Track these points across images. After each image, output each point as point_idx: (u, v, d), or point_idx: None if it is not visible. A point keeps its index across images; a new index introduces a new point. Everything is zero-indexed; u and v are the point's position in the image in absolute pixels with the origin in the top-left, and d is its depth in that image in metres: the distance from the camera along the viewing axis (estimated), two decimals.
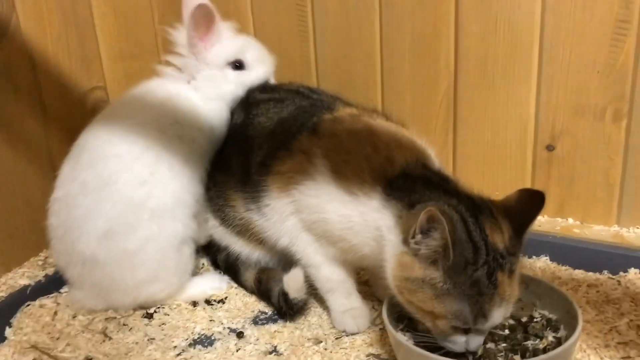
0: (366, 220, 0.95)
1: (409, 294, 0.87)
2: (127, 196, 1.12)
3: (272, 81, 1.31)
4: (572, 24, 1.23)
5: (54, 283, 1.27)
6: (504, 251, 0.85)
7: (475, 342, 0.86)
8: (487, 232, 0.85)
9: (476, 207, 0.88)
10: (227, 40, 1.26)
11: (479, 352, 0.89)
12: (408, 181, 0.93)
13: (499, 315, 0.85)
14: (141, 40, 1.52)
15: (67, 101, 1.36)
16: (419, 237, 0.84)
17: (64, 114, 1.36)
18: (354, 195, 0.96)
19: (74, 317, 1.18)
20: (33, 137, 1.31)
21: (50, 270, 1.30)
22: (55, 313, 1.19)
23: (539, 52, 1.27)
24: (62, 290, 1.27)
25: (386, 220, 0.92)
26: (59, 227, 1.16)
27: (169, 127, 1.19)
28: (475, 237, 0.84)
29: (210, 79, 1.25)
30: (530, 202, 0.90)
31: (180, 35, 1.25)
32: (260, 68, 1.29)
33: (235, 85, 1.26)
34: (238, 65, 1.26)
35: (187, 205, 1.19)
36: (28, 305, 1.22)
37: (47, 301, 1.23)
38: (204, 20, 1.20)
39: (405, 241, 0.87)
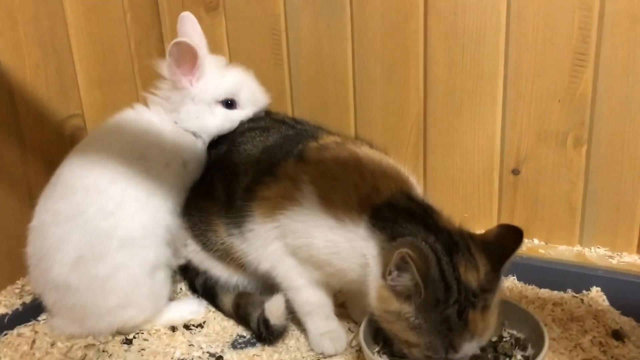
0: (354, 247, 0.98)
1: (388, 324, 0.92)
2: (95, 226, 1.14)
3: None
4: (534, 55, 1.29)
5: (31, 311, 1.26)
6: (477, 289, 0.88)
7: None
8: (461, 270, 0.88)
9: (453, 244, 0.91)
10: (217, 77, 1.25)
11: None
12: (392, 212, 0.96)
13: (470, 348, 0.88)
14: (118, 68, 1.53)
15: (45, 129, 1.37)
16: (394, 274, 0.88)
17: (42, 142, 1.36)
18: (342, 221, 0.99)
19: (53, 345, 1.18)
20: (10, 165, 1.31)
21: (27, 299, 1.29)
22: (34, 342, 1.19)
23: (503, 82, 1.34)
24: (39, 319, 1.27)
25: (371, 249, 0.95)
26: (35, 255, 1.18)
27: (137, 160, 1.19)
28: (447, 276, 0.87)
29: (194, 114, 1.24)
30: (509, 237, 0.93)
31: (165, 67, 1.23)
32: (252, 107, 1.28)
33: (223, 122, 1.26)
34: (230, 103, 1.26)
35: (157, 234, 1.20)
36: (5, 334, 1.22)
37: (25, 329, 1.23)
38: (185, 57, 1.19)
39: (384, 275, 0.90)
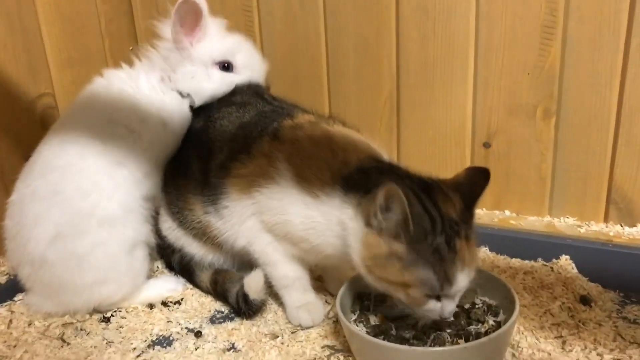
0: (329, 219, 1.00)
1: (379, 270, 0.92)
2: (75, 207, 1.14)
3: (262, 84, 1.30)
4: (503, 29, 1.31)
5: (7, 291, 1.26)
6: (458, 219, 0.92)
7: (448, 307, 0.92)
8: (440, 204, 0.92)
9: (427, 185, 0.95)
10: (216, 39, 1.24)
11: (430, 339, 0.95)
12: (362, 174, 0.99)
13: (463, 279, 0.90)
14: (88, 46, 1.51)
15: (15, 109, 1.35)
16: (379, 214, 0.90)
17: (13, 122, 1.34)
18: (316, 196, 1.00)
19: (30, 324, 1.18)
20: None
21: (2, 279, 1.29)
22: (11, 321, 1.19)
23: (474, 56, 1.36)
24: (15, 299, 1.26)
25: (347, 212, 0.97)
26: (12, 228, 1.18)
27: (108, 130, 1.18)
28: (429, 209, 0.90)
29: (190, 75, 1.23)
30: (478, 178, 0.98)
31: (165, 28, 1.22)
32: (248, 72, 1.27)
33: (219, 85, 1.25)
34: (226, 66, 1.25)
35: (137, 211, 1.21)
36: None
37: (1, 310, 1.23)
38: (189, 16, 1.18)
39: (368, 223, 0.92)
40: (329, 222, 1.00)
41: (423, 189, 0.94)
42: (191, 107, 1.26)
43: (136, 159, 1.20)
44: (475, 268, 0.93)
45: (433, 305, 0.92)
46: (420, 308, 0.93)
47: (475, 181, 0.97)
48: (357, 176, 0.99)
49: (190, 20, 1.20)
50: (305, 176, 1.02)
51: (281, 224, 1.06)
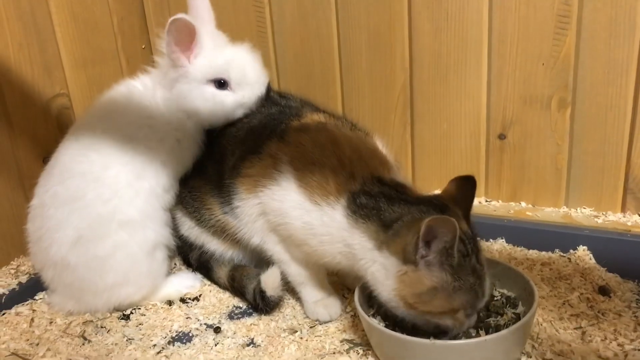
0: (331, 233, 0.99)
1: (424, 305, 0.91)
2: (95, 211, 1.15)
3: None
4: (517, 19, 1.30)
5: (28, 291, 1.28)
6: (472, 235, 0.93)
7: (474, 318, 0.95)
8: (459, 224, 0.90)
9: (439, 207, 0.94)
10: (212, 54, 1.18)
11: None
12: (369, 199, 0.97)
13: (488, 288, 0.94)
14: (102, 46, 1.52)
15: (31, 109, 1.36)
16: (421, 251, 0.89)
17: (29, 123, 1.36)
18: (318, 204, 1.00)
19: (51, 322, 1.20)
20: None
21: (23, 279, 1.30)
22: (32, 320, 1.20)
23: (488, 47, 1.35)
24: (36, 297, 1.28)
25: (360, 241, 0.95)
26: (35, 233, 1.20)
27: (129, 141, 1.18)
28: (459, 231, 0.90)
29: (184, 93, 1.19)
30: (466, 187, 0.99)
31: (164, 44, 1.18)
32: (244, 91, 1.19)
33: (212, 104, 1.19)
34: (222, 82, 1.18)
35: (157, 215, 1.22)
36: (4, 314, 1.23)
37: (23, 309, 1.24)
38: (183, 34, 1.14)
39: (407, 260, 0.90)
40: (331, 236, 1.00)
41: (439, 211, 0.93)
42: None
43: (156, 174, 1.21)
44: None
45: (471, 320, 0.94)
46: (461, 326, 0.94)
47: (465, 191, 0.98)
48: (365, 199, 0.97)
49: (185, 37, 1.14)
50: (308, 182, 1.02)
51: (284, 225, 1.06)
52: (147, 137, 1.20)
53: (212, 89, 1.18)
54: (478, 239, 0.95)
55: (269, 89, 1.24)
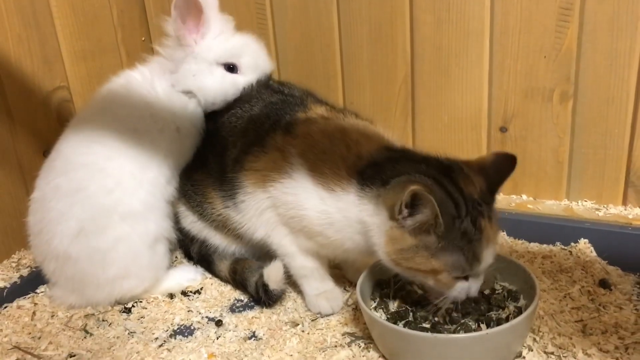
0: (347, 216, 1.00)
1: (407, 262, 0.92)
2: (98, 203, 1.15)
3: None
4: (519, 11, 1.29)
5: (29, 284, 1.28)
6: (480, 200, 0.92)
7: (475, 286, 0.94)
8: (461, 185, 0.92)
9: (445, 166, 0.95)
10: (222, 39, 1.22)
11: (453, 328, 0.96)
12: (375, 167, 0.98)
13: (489, 256, 0.92)
14: (101, 38, 1.51)
15: (32, 102, 1.36)
16: (405, 212, 0.89)
17: (29, 116, 1.35)
18: (332, 191, 1.00)
19: (53, 315, 1.20)
20: (0, 140, 1.31)
21: (24, 272, 1.30)
22: (34, 313, 1.21)
23: (489, 39, 1.34)
24: (38, 291, 1.28)
25: (366, 209, 0.97)
26: (36, 225, 1.20)
27: (131, 132, 1.19)
28: (453, 193, 0.90)
29: (192, 72, 1.21)
30: (504, 163, 0.98)
31: (170, 25, 1.21)
32: (253, 75, 1.24)
33: (221, 82, 1.22)
34: (231, 67, 1.22)
35: (159, 207, 1.22)
36: (5, 307, 1.23)
37: (25, 302, 1.25)
38: (190, 12, 1.16)
39: (392, 217, 0.92)
40: (347, 219, 1.00)
41: (442, 171, 0.93)
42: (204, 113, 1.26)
43: (158, 165, 1.21)
44: (497, 243, 0.94)
45: (461, 286, 0.93)
46: (449, 290, 0.93)
47: (500, 166, 0.97)
48: (371, 170, 0.98)
49: (192, 16, 1.17)
50: (321, 171, 1.02)
51: (297, 218, 1.06)
52: (148, 127, 1.20)
53: (222, 71, 1.22)
54: (489, 209, 0.93)
55: (268, 76, 1.27)
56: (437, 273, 0.92)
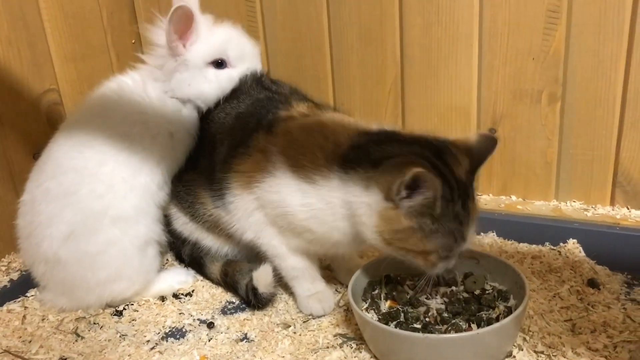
0: (330, 202, 1.00)
1: (400, 242, 0.94)
2: (88, 206, 1.15)
3: (259, 71, 1.26)
4: (507, 14, 1.31)
5: (19, 287, 1.27)
6: (467, 182, 0.94)
7: (454, 261, 0.97)
8: (453, 168, 0.93)
9: (437, 148, 0.96)
10: (206, 38, 1.20)
11: (444, 328, 0.97)
12: (359, 150, 0.99)
13: (473, 235, 0.96)
14: (91, 41, 1.51)
15: (21, 105, 1.35)
16: (404, 193, 0.90)
17: (19, 119, 1.35)
18: (313, 181, 1.01)
19: (44, 319, 1.19)
20: None
21: (14, 276, 1.30)
22: (24, 317, 1.20)
23: (478, 42, 1.35)
24: (28, 294, 1.28)
25: (353, 190, 0.97)
26: (25, 228, 1.19)
27: (123, 137, 1.18)
28: (447, 177, 0.92)
29: (186, 81, 1.20)
30: (487, 144, 0.99)
31: (158, 34, 1.20)
32: (244, 64, 1.23)
33: (217, 84, 1.21)
34: (220, 63, 1.21)
35: (150, 212, 1.21)
36: None
37: (15, 306, 1.24)
38: (183, 22, 1.15)
39: (388, 197, 0.92)
40: (331, 205, 1.00)
41: (436, 152, 0.94)
42: (199, 112, 1.25)
43: (151, 171, 1.21)
44: (478, 218, 0.97)
45: (443, 264, 0.95)
46: (433, 269, 0.96)
47: (483, 147, 0.99)
48: (354, 153, 0.98)
49: (183, 25, 1.16)
50: (300, 164, 1.02)
51: (282, 215, 1.07)
52: (141, 133, 1.20)
53: (212, 70, 1.21)
54: (473, 186, 0.96)
55: (262, 73, 1.26)
56: (428, 254, 0.94)
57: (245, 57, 1.23)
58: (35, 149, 1.32)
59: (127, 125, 1.19)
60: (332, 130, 1.04)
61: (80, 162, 1.16)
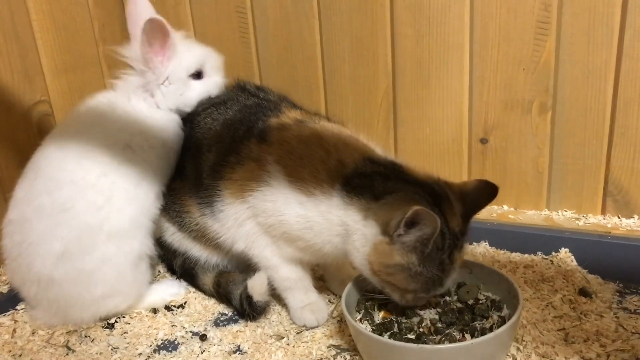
0: (329, 219, 1.00)
1: (387, 276, 0.96)
2: (84, 221, 1.12)
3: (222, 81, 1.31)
4: (498, 25, 1.32)
5: (9, 301, 1.26)
6: (459, 233, 0.95)
7: (423, 301, 1.01)
8: (448, 218, 0.94)
9: (437, 195, 0.96)
10: (185, 52, 1.24)
11: (438, 338, 0.97)
12: (364, 179, 0.99)
13: (450, 283, 0.98)
14: (83, 53, 1.51)
15: (12, 117, 1.34)
16: (401, 230, 0.91)
17: (9, 130, 1.34)
18: (312, 195, 1.01)
19: (34, 332, 1.18)
20: None
21: (4, 289, 1.28)
22: (14, 330, 1.18)
23: (469, 52, 1.36)
24: (18, 308, 1.26)
25: (352, 215, 0.98)
26: (14, 249, 1.16)
27: (122, 149, 1.18)
28: (442, 226, 0.92)
29: (176, 93, 1.24)
30: (484, 192, 1.00)
31: (131, 50, 1.22)
32: (218, 75, 1.29)
33: (199, 94, 1.27)
34: (197, 74, 1.26)
35: (144, 225, 1.21)
36: None
37: (5, 319, 1.22)
38: (157, 35, 1.17)
39: (385, 232, 0.94)
40: (329, 222, 1.01)
41: (434, 200, 0.95)
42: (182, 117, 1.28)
43: (151, 181, 1.21)
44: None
45: (415, 302, 0.99)
46: (404, 303, 0.99)
47: (480, 194, 1.00)
48: (359, 180, 0.99)
49: (158, 39, 1.18)
50: (299, 175, 1.03)
51: (277, 224, 1.06)
52: (141, 143, 1.20)
53: (194, 82, 1.26)
54: (464, 238, 0.97)
55: (244, 81, 1.31)
56: (407, 292, 0.97)
57: (218, 67, 1.30)
58: (26, 161, 1.30)
59: (127, 135, 1.19)
60: (334, 146, 1.05)
61: (77, 174, 1.14)
